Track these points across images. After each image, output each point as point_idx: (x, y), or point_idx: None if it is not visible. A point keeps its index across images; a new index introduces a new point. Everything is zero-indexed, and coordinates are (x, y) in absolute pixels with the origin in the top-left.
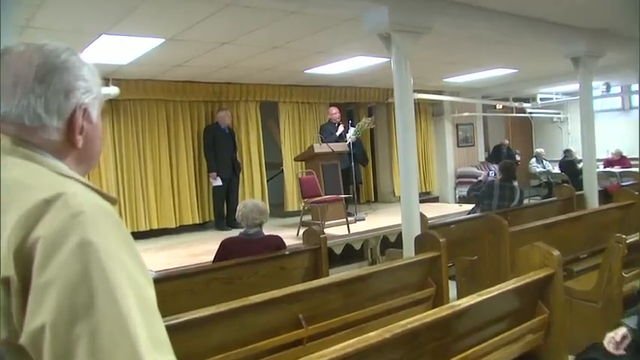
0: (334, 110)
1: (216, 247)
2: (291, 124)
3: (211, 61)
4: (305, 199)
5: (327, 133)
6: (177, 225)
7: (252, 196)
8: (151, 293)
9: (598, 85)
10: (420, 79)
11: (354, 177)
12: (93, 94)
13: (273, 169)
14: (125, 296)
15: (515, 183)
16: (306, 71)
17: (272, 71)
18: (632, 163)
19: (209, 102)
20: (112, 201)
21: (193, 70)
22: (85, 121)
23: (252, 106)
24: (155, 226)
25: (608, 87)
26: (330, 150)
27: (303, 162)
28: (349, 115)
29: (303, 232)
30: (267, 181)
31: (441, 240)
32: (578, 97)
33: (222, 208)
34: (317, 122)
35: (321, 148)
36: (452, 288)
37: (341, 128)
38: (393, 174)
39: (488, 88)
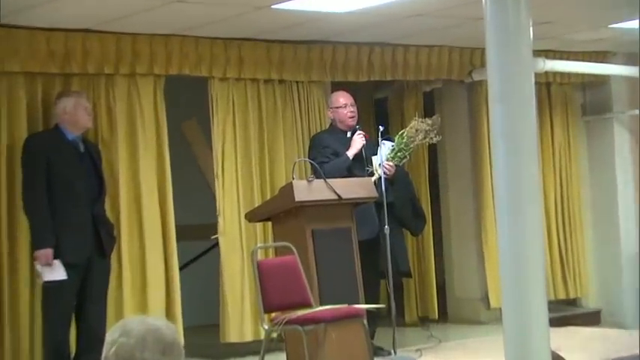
0: (343, 99)
1: None
2: (240, 130)
3: None
4: (272, 314)
5: (324, 152)
6: None
7: (142, 307)
8: None
9: None
10: (552, 30)
11: (389, 261)
12: None
13: (196, 238)
14: None
15: None
16: (275, 7)
17: (195, 5)
18: None
19: (38, 76)
20: None
21: None
22: None
23: (144, 86)
24: None
25: None
26: (335, 195)
27: (268, 223)
28: (380, 113)
29: None
30: (181, 269)
31: None
32: None
33: (64, 339)
34: (302, 128)
35: (310, 190)
36: None
37: (359, 142)
38: (483, 255)
39: None
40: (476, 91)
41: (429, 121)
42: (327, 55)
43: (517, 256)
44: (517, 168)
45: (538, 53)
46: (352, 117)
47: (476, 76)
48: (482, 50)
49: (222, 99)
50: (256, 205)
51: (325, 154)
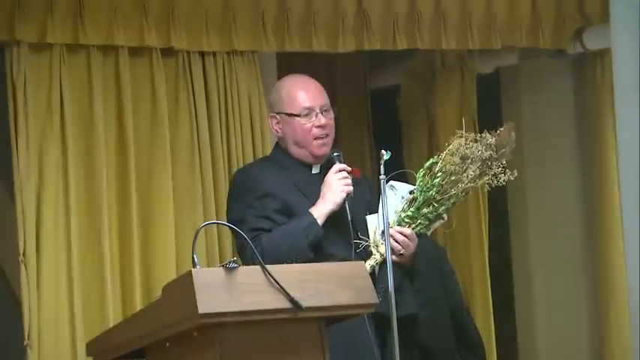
0: (306, 98)
1: None
2: (78, 152)
3: None
4: None
5: (263, 207)
6: None
7: None
8: None
9: None
10: None
11: None
12: None
13: None
14: None
15: None
16: None
17: None
18: None
19: None
20: None
21: None
22: None
23: None
24: None
25: None
26: (286, 301)
27: None
28: (382, 123)
29: None
30: None
31: None
32: None
33: None
34: (215, 151)
35: (232, 289)
36: None
37: (339, 187)
38: None
39: None
40: (590, 75)
41: (491, 139)
42: None
43: None
44: None
45: None
46: (324, 138)
47: (590, 43)
48: None
49: (36, 87)
50: (111, 322)
51: (264, 210)
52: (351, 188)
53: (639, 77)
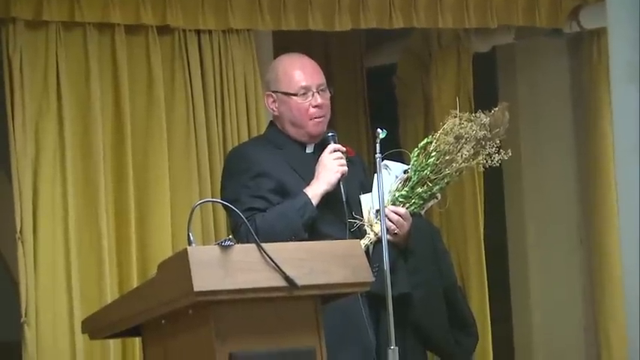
0: (302, 77)
1: None
2: (74, 130)
3: None
4: None
5: (258, 187)
6: None
7: None
8: None
9: None
10: None
11: None
12: None
13: None
14: None
15: None
16: None
17: None
18: None
19: None
20: None
21: None
22: None
23: None
24: None
25: None
26: (281, 280)
27: (134, 340)
28: (378, 102)
29: None
30: None
31: None
32: None
33: None
34: (210, 130)
35: (227, 267)
36: None
37: (334, 167)
38: None
39: None
40: (586, 54)
41: (486, 118)
42: None
43: None
44: None
45: None
46: (320, 116)
47: (586, 22)
48: None
49: (33, 65)
50: (108, 300)
51: (259, 190)
52: (345, 169)
53: (635, 56)
